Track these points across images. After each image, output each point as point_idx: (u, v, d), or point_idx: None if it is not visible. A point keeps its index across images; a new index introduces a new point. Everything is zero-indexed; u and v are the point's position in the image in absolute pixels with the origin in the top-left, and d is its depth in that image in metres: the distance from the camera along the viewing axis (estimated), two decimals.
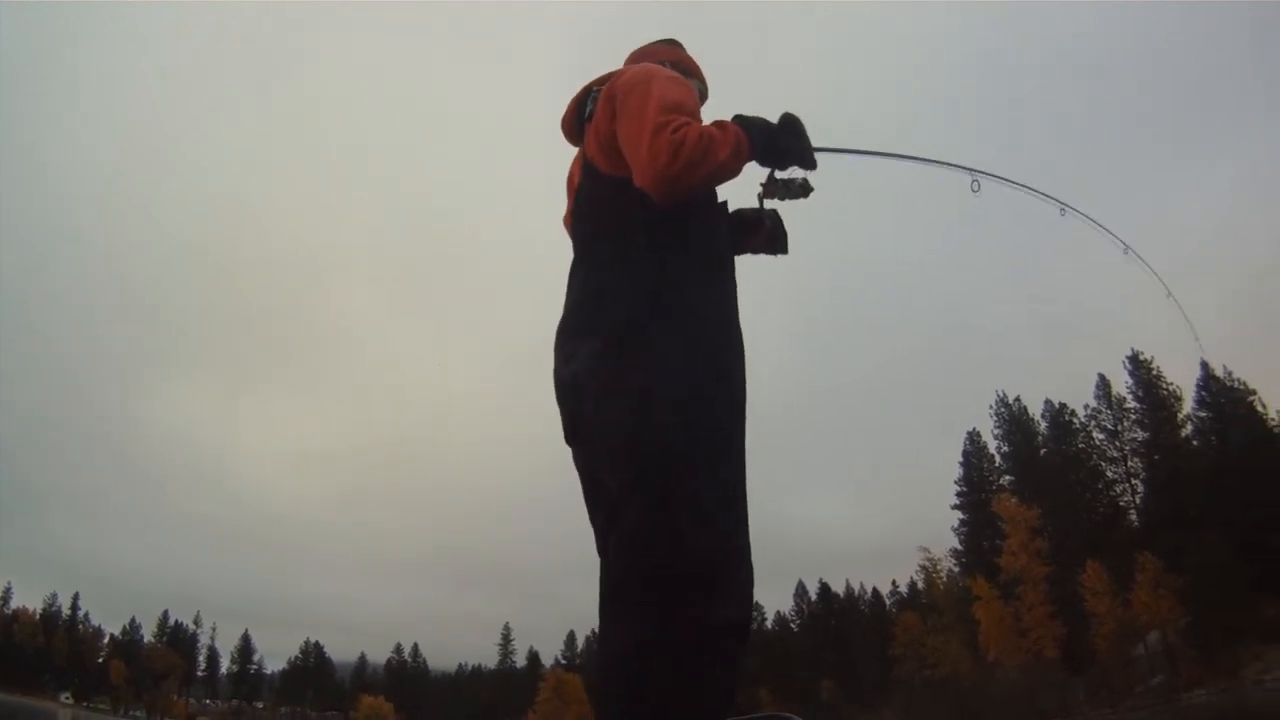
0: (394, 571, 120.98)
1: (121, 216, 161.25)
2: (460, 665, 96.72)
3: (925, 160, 2.78)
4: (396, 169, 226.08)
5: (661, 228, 2.10)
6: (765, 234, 2.40)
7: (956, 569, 56.85)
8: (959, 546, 57.62)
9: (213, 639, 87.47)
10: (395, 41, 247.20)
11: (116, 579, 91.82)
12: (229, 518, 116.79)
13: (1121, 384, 51.76)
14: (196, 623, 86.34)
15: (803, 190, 2.38)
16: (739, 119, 2.20)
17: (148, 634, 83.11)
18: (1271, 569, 39.33)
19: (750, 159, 2.19)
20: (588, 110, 2.35)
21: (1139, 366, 49.89)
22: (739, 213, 2.37)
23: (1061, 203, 3.05)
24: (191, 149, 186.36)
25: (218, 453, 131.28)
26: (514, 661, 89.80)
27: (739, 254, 2.34)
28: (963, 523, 57.76)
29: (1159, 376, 49.51)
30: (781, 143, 2.25)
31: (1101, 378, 52.74)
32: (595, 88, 2.36)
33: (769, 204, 2.41)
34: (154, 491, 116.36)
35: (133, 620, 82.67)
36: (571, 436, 2.23)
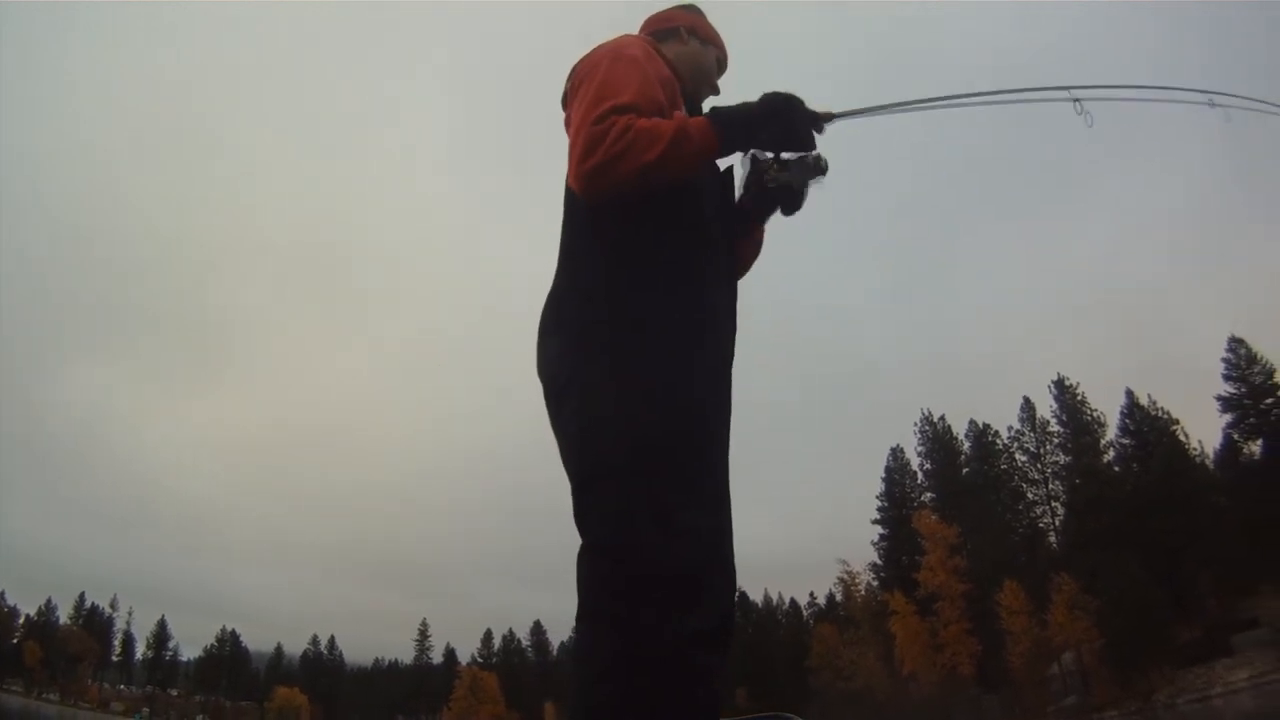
0: (312, 563, 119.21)
1: (27, 205, 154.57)
2: (377, 659, 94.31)
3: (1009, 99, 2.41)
4: (300, 167, 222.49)
5: (616, 221, 1.94)
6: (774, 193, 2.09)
7: (875, 583, 56.34)
8: (878, 561, 57.04)
9: (129, 623, 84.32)
10: (302, 42, 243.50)
11: (33, 558, 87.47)
12: (145, 501, 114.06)
13: (1046, 408, 51.30)
14: (113, 606, 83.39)
15: (815, 168, 2.05)
16: (714, 111, 1.97)
17: (64, 616, 79.36)
18: (1186, 594, 39.60)
19: (720, 152, 1.96)
20: (565, 90, 2.16)
21: (1064, 391, 49.42)
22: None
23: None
24: (99, 142, 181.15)
25: (129, 437, 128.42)
26: (430, 658, 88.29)
27: (760, 217, 2.18)
28: (883, 537, 57.04)
29: (1083, 402, 48.89)
30: (764, 134, 1.99)
31: (1026, 400, 52.27)
32: (577, 65, 2.16)
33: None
34: (71, 472, 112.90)
35: (49, 601, 78.77)
36: None
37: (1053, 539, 49.72)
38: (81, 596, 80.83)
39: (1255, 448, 42.35)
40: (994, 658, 43.11)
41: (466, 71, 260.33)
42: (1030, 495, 51.43)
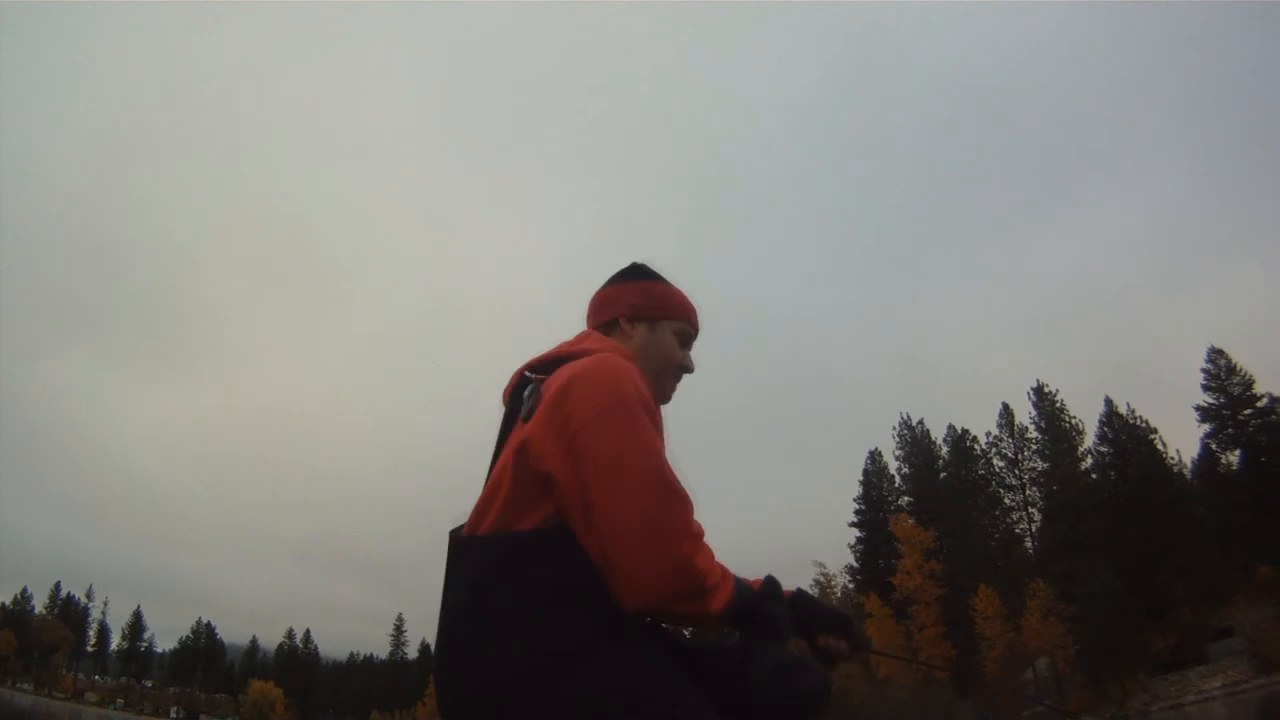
0: (287, 557, 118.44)
1: (12, 198, 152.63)
2: (352, 654, 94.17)
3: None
4: (268, 164, 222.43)
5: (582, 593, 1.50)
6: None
7: (851, 586, 55.76)
8: (854, 564, 56.69)
9: (104, 614, 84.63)
10: (274, 41, 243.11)
11: (9, 546, 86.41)
12: (123, 493, 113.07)
13: (1025, 414, 50.85)
14: (89, 596, 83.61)
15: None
16: (740, 601, 1.64)
17: (39, 605, 79.44)
18: (1162, 603, 39.32)
19: (725, 623, 1.64)
20: (525, 409, 1.64)
21: (1043, 398, 48.94)
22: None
23: None
24: (69, 135, 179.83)
25: (107, 428, 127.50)
26: (405, 653, 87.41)
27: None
28: (859, 540, 56.60)
29: (1062, 409, 48.44)
30: (770, 630, 1.65)
31: (1005, 406, 51.75)
32: (532, 374, 1.69)
33: None
34: (48, 462, 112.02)
35: (24, 590, 78.51)
36: None
37: (1029, 545, 49.41)
38: (57, 586, 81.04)
39: (1233, 458, 42.03)
40: (968, 662, 42.72)
41: (445, 72, 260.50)
42: (1007, 501, 51.13)
